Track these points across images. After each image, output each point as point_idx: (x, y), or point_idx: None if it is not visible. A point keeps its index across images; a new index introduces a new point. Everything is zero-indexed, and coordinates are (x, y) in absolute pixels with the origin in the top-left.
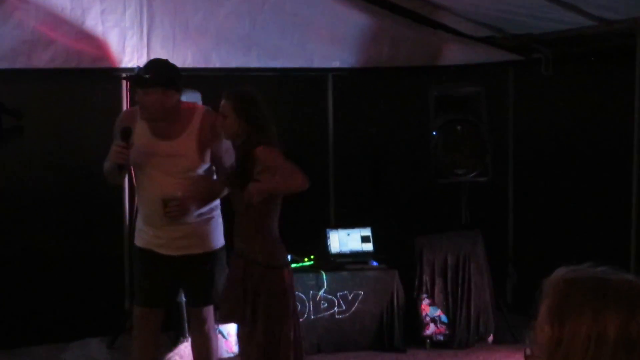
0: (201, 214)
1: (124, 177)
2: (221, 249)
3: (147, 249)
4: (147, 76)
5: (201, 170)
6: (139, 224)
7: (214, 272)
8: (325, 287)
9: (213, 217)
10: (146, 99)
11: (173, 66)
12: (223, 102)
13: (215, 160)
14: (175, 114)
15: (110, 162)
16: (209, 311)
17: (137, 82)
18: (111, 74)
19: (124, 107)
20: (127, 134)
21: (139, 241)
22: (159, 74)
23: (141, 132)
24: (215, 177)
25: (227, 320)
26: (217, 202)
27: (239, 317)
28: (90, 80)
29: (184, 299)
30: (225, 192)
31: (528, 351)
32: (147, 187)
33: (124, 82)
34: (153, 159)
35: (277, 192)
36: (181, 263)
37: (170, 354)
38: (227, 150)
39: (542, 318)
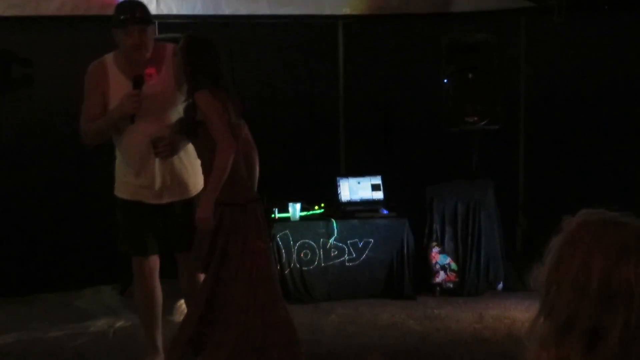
0: (184, 159)
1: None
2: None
3: (133, 200)
4: (138, 15)
5: (180, 107)
6: (123, 176)
7: None
8: (335, 235)
9: (195, 161)
10: (144, 38)
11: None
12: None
13: None
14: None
15: (121, 113)
16: None
17: (137, 23)
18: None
19: None
20: (140, 82)
21: (123, 193)
22: (146, 12)
23: (119, 82)
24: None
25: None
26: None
27: (204, 265)
28: (98, 28)
29: None
30: None
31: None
32: (133, 133)
33: None
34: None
35: (218, 188)
36: (168, 210)
37: (181, 301)
38: None
39: (545, 258)
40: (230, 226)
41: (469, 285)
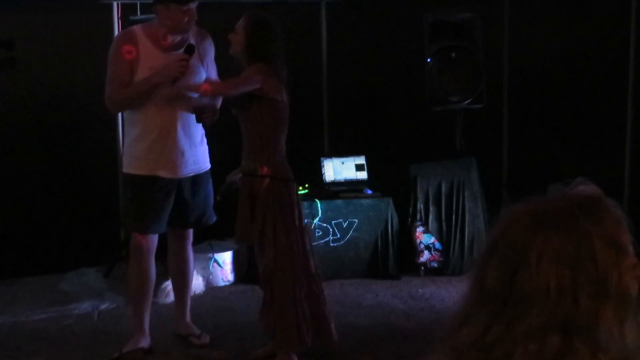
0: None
1: None
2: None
3: (148, 176)
4: None
5: (202, 79)
6: (139, 151)
7: (211, 190)
8: (319, 215)
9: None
10: (190, 12)
11: None
12: (241, 19)
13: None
14: None
15: (165, 77)
16: (191, 230)
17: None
18: (100, 3)
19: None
20: (192, 50)
21: (139, 169)
22: None
23: (149, 52)
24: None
25: (241, 240)
26: None
27: (249, 235)
28: (80, 9)
29: None
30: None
31: None
32: (161, 105)
33: (114, 11)
34: None
35: (229, 90)
36: (179, 185)
37: (167, 283)
38: (212, 61)
39: None
40: (279, 200)
41: (453, 264)
